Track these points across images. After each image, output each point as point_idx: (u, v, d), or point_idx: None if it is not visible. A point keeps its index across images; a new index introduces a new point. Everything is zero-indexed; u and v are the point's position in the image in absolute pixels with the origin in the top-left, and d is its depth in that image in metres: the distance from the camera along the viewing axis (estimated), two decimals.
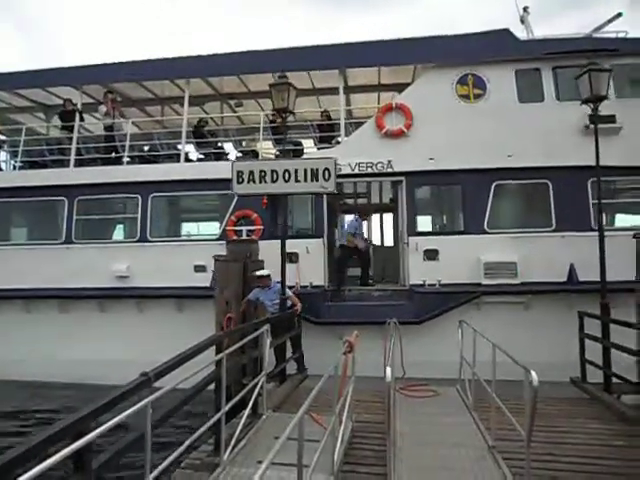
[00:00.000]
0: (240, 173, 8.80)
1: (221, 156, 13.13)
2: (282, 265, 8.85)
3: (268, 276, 9.08)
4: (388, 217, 16.08)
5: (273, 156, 12.46)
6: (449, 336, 8.80)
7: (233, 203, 11.74)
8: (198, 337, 5.33)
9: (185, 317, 11.23)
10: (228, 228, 11.77)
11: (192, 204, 13.16)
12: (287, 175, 8.66)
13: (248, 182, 8.73)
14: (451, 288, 10.79)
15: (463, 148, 11.14)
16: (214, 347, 5.44)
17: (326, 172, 8.57)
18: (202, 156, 13.26)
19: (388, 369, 4.86)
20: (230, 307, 8.80)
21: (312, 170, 8.53)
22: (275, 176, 8.66)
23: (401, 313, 10.13)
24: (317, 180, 8.51)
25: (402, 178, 11.66)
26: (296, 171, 8.62)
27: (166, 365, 4.24)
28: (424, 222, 12.15)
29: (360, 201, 16.21)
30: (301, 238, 11.46)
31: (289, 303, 9.19)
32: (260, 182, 8.70)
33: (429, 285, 11.00)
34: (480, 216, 11.09)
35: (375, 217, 16.83)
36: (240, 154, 13.28)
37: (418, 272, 11.13)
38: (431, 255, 11.31)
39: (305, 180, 8.55)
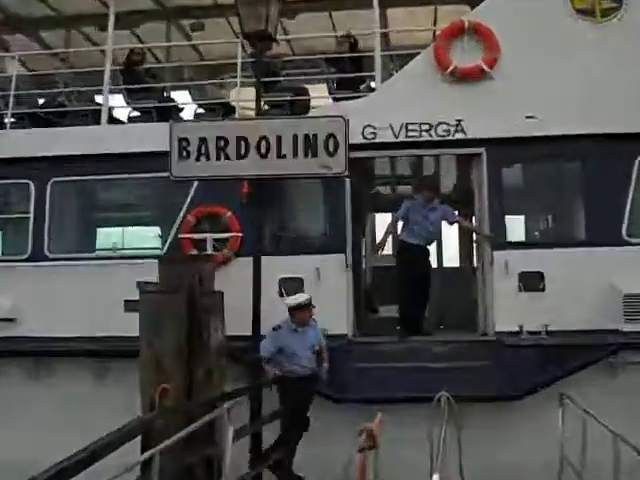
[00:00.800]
0: (183, 143, 8.98)
1: (170, 113, 13.08)
2: (254, 300, 9.00)
3: (309, 305, 9.40)
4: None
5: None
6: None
7: (190, 194, 11.76)
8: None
9: (109, 388, 11.26)
10: (182, 236, 11.71)
11: (121, 196, 13.29)
12: (264, 146, 8.86)
13: (198, 158, 8.95)
14: (566, 339, 10.63)
15: (585, 99, 11.06)
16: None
17: (331, 141, 8.72)
18: (137, 113, 13.37)
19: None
20: (165, 371, 8.48)
21: (307, 138, 8.74)
22: (244, 148, 8.88)
23: (480, 382, 10.24)
24: (315, 155, 8.73)
25: (480, 150, 11.46)
26: (279, 140, 8.83)
27: (58, 469, 4.36)
28: (517, 226, 12.27)
29: (402, 190, 16.38)
30: (307, 253, 11.44)
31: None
32: (219, 158, 8.93)
33: (529, 333, 10.78)
34: (615, 216, 11.06)
35: None
36: (202, 110, 13.30)
37: (509, 311, 10.96)
38: (531, 282, 11.14)
39: (295, 155, 8.78)
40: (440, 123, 11.41)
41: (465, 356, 10.99)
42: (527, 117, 11.22)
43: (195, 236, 11.75)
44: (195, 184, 11.41)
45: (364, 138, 11.30)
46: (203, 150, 8.94)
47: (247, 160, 8.89)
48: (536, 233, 12.85)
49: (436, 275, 14.81)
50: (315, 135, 8.78)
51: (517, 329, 10.88)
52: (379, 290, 14.45)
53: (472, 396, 9.34)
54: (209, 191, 11.42)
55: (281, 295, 10.78)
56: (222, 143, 8.91)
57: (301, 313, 9.43)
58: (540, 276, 11.06)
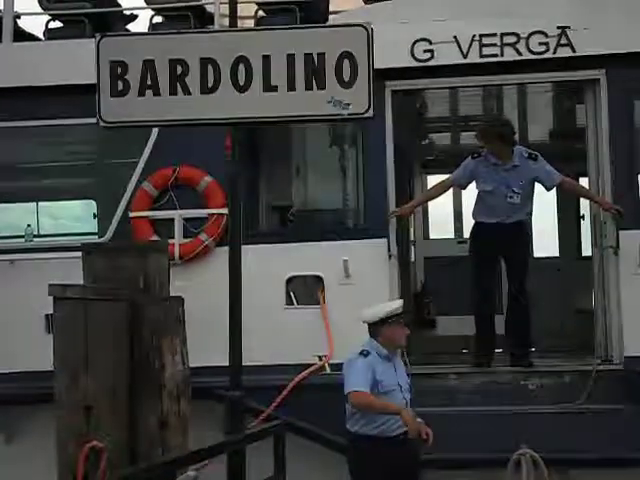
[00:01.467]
0: (119, 70, 8.43)
1: (110, 24, 13.10)
2: (232, 311, 8.52)
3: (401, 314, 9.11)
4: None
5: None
6: None
7: (147, 150, 11.75)
8: None
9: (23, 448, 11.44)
10: (134, 214, 11.66)
11: (35, 154, 13.35)
12: (243, 74, 8.21)
13: (141, 93, 8.35)
14: None
15: None
16: None
17: (346, 64, 8.04)
18: (60, 24, 13.32)
19: None
20: (95, 422, 8.02)
21: (309, 60, 8.11)
22: (213, 77, 8.27)
23: (599, 435, 10.21)
24: (322, 86, 8.08)
25: (598, 73, 11.46)
26: (266, 62, 8.19)
27: None
28: None
29: (466, 138, 16.63)
30: (329, 239, 11.62)
31: None
32: (174, 93, 8.37)
33: None
34: None
35: None
36: (162, 18, 13.13)
37: None
38: None
39: (291, 87, 8.15)
40: (534, 33, 11.30)
41: (572, 395, 10.99)
42: None
43: (155, 214, 11.69)
44: (154, 135, 11.39)
45: (415, 59, 11.28)
46: (149, 80, 8.24)
47: (217, 95, 8.22)
48: None
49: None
50: (322, 55, 8.00)
51: None
52: (437, 293, 14.70)
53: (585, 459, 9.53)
54: (176, 144, 11.36)
55: (290, 303, 11.06)
56: (178, 69, 8.21)
57: (394, 330, 8.87)
58: None
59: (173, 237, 11.35)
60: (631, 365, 10.73)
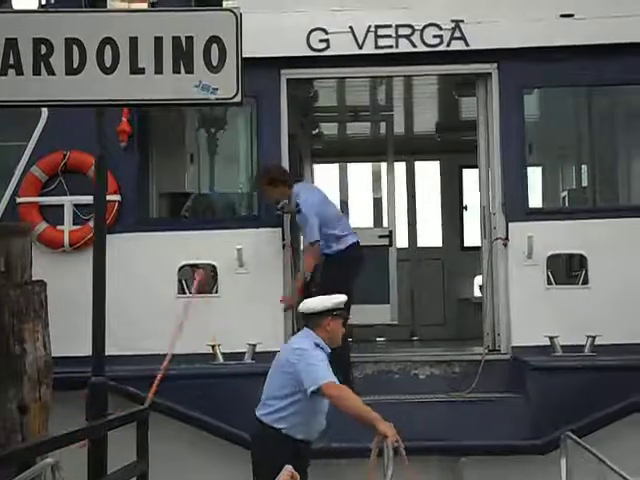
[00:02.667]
0: None
1: None
2: (96, 297, 8.64)
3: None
4: (429, 171, 17.24)
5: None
6: None
7: (36, 133, 11.52)
8: None
9: None
10: (22, 200, 11.53)
11: None
12: (110, 55, 8.27)
13: (3, 72, 8.33)
14: (625, 357, 10.72)
15: None
16: None
17: (214, 48, 8.29)
18: None
19: None
20: None
21: (177, 43, 8.28)
22: (78, 58, 8.28)
23: (484, 426, 10.30)
24: (190, 70, 8.28)
25: (490, 67, 11.63)
26: (133, 44, 8.28)
27: None
28: (547, 184, 12.84)
29: (359, 128, 16.74)
30: (223, 227, 11.60)
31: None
32: (38, 73, 8.33)
33: (566, 350, 10.82)
34: None
35: (398, 169, 17.33)
36: None
37: (534, 315, 11.13)
38: (566, 270, 11.82)
39: (160, 71, 8.28)
40: (428, 25, 11.37)
41: (458, 384, 11.17)
42: (561, 16, 11.36)
43: (44, 200, 11.50)
44: (43, 117, 11.15)
45: (311, 49, 11.32)
46: (12, 59, 8.22)
47: (82, 76, 8.24)
48: (577, 195, 13.26)
49: (414, 260, 16.10)
50: (190, 38, 8.20)
51: (547, 343, 10.85)
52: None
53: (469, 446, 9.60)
54: (66, 128, 11.15)
55: (183, 292, 11.01)
56: (43, 49, 8.20)
57: (337, 323, 8.51)
58: (582, 260, 11.37)
59: (63, 224, 11.20)
60: (517, 354, 10.91)
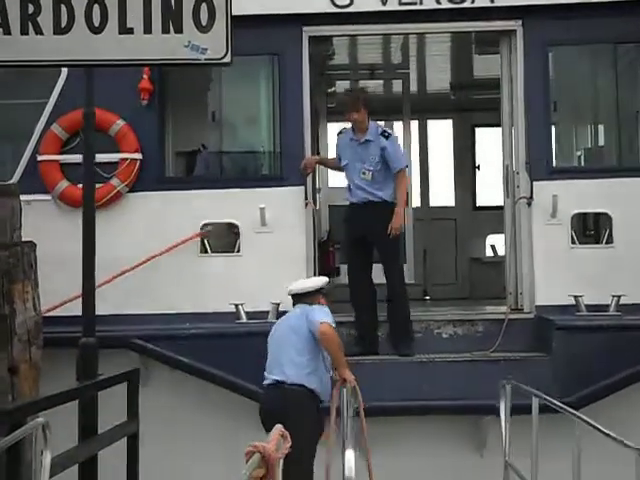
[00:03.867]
0: None
1: None
2: (85, 253, 8.64)
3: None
4: (442, 130, 17.11)
5: None
6: None
7: (55, 91, 11.46)
8: None
9: None
10: (42, 158, 11.44)
11: None
12: (98, 14, 8.16)
13: None
14: None
15: None
16: None
17: (204, 7, 8.19)
18: None
19: None
20: None
21: (166, 3, 8.18)
22: (67, 17, 8.18)
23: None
24: (180, 31, 8.20)
25: (514, 24, 11.57)
26: (122, 4, 8.18)
27: None
28: (568, 143, 12.76)
29: (372, 86, 16.46)
30: (245, 186, 11.62)
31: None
32: (26, 32, 8.19)
33: (590, 309, 10.82)
34: None
35: (412, 128, 17.11)
36: None
37: (558, 276, 11.14)
38: (592, 230, 11.84)
39: (149, 30, 8.20)
40: None
41: (480, 343, 11.14)
42: None
43: (65, 158, 11.36)
44: (63, 75, 11.10)
45: (334, 5, 11.22)
46: None
47: (70, 36, 8.13)
48: (603, 155, 12.90)
49: (434, 223, 16.11)
50: None
51: (571, 302, 10.81)
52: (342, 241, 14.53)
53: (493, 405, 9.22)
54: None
55: (205, 251, 11.00)
56: (31, 8, 8.09)
57: (322, 299, 9.42)
58: (607, 220, 11.23)
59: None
60: (542, 313, 10.92)
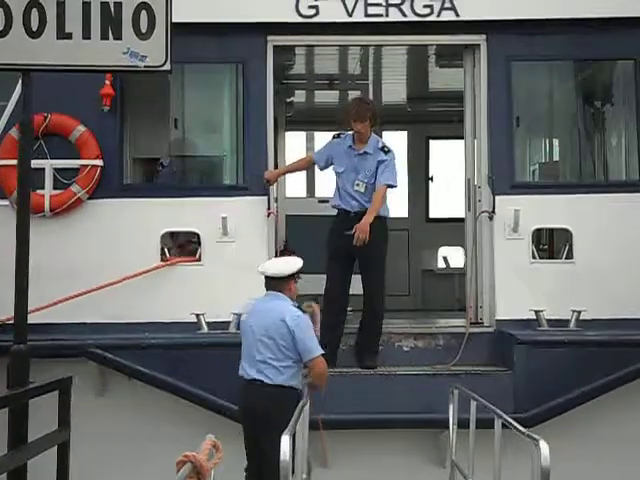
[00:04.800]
0: None
1: None
2: (19, 257, 8.38)
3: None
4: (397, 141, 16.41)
5: None
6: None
7: (14, 95, 11.21)
8: None
9: None
10: (0, 163, 11.25)
11: None
12: (37, 19, 8.11)
13: None
14: (610, 332, 10.70)
15: None
16: None
17: (144, 15, 8.19)
18: None
19: None
20: None
21: (106, 9, 8.15)
22: (4, 20, 8.13)
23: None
24: (119, 36, 8.19)
25: (478, 38, 11.61)
26: (61, 8, 8.10)
27: None
28: (534, 155, 12.85)
29: (328, 96, 16.75)
30: (208, 195, 11.52)
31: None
32: None
33: (551, 324, 10.84)
34: None
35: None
36: None
37: (518, 291, 11.14)
38: (552, 244, 11.91)
39: (87, 36, 8.15)
40: None
41: (441, 357, 11.09)
42: None
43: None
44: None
45: (299, 15, 11.15)
46: None
47: (8, 39, 8.07)
48: (564, 169, 12.97)
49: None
50: (119, 4, 8.10)
51: (531, 317, 10.84)
52: (298, 251, 14.13)
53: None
54: (48, 91, 10.62)
55: (163, 259, 10.89)
56: None
57: (296, 285, 9.36)
58: (567, 235, 11.25)
59: (43, 188, 11.00)
60: (502, 327, 10.89)
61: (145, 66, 8.22)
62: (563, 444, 9.95)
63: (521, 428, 6.43)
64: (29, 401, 7.99)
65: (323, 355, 9.54)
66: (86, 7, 8.10)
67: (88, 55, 8.28)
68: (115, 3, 8.13)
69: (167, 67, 8.24)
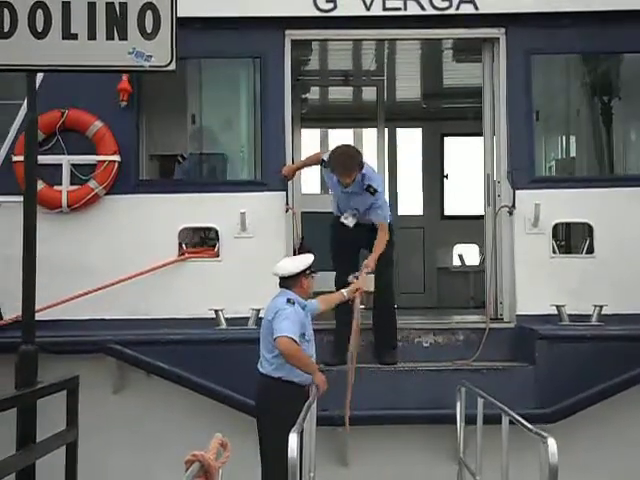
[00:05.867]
0: None
1: None
2: (26, 256, 8.28)
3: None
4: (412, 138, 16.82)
5: None
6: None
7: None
8: None
9: None
10: (17, 158, 11.00)
11: None
12: (42, 20, 8.09)
13: None
14: (632, 327, 10.63)
15: None
16: None
17: (149, 15, 8.17)
18: None
19: None
20: None
21: (111, 9, 8.12)
22: (9, 21, 8.10)
23: (496, 395, 9.44)
24: (125, 37, 8.20)
25: (497, 32, 11.56)
26: (66, 9, 8.09)
27: None
28: (552, 149, 12.82)
29: (343, 93, 16.80)
30: (226, 190, 11.50)
31: None
32: None
33: (572, 319, 10.76)
34: None
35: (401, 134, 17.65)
36: None
37: (539, 286, 11.09)
38: (573, 240, 11.83)
39: (93, 36, 8.17)
40: None
41: (461, 352, 11.02)
42: None
43: (41, 159, 10.43)
44: (40, 75, 10.66)
45: (317, 9, 11.15)
46: None
47: (13, 40, 8.04)
48: (585, 164, 12.88)
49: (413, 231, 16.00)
50: (124, 5, 8.10)
51: (552, 312, 10.75)
52: (315, 248, 14.08)
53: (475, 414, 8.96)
54: (65, 87, 10.94)
55: (182, 254, 10.89)
56: None
57: (310, 281, 9.44)
58: (588, 230, 11.18)
59: (60, 184, 11.02)
60: (523, 323, 10.86)
61: (150, 66, 8.24)
62: (585, 439, 10.20)
63: (528, 425, 6.45)
64: (37, 400, 8.00)
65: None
66: (91, 7, 8.15)
67: (93, 55, 8.30)
68: (120, 3, 8.17)
69: (172, 67, 8.26)
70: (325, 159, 11.14)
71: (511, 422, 7.16)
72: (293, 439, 6.22)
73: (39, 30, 8.10)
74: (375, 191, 10.85)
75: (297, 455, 6.29)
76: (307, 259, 9.52)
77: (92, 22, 8.18)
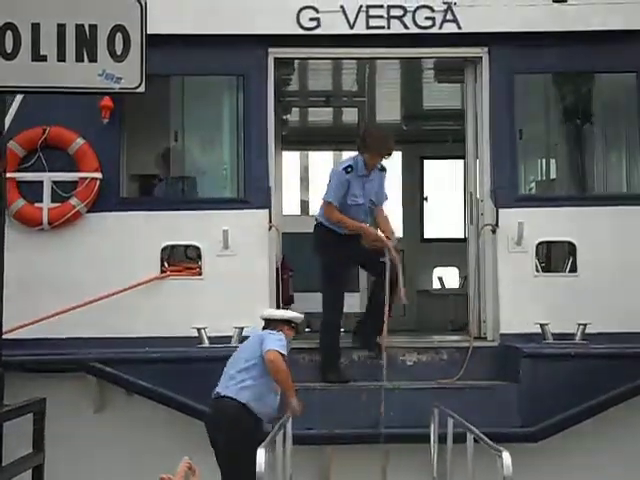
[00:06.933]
0: None
1: None
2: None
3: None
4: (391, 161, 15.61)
5: None
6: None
7: (12, 108, 11.06)
8: None
9: None
10: None
11: None
12: (11, 41, 8.01)
13: None
14: (615, 346, 10.69)
15: None
16: None
17: (119, 37, 8.10)
18: None
19: None
20: None
21: (81, 31, 8.02)
22: None
23: (476, 412, 9.80)
24: (95, 59, 8.09)
25: (480, 51, 11.60)
26: (35, 31, 8.03)
27: None
28: (533, 170, 12.84)
29: (323, 114, 16.86)
30: (209, 208, 11.48)
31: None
32: None
33: (556, 337, 10.75)
34: None
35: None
36: None
37: (523, 304, 11.13)
38: (555, 258, 11.76)
39: (62, 58, 8.06)
40: (420, 7, 11.25)
41: (444, 371, 10.98)
42: (555, 1, 11.30)
43: (21, 176, 11.15)
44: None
45: (301, 27, 11.15)
46: None
47: None
48: (566, 183, 12.82)
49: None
50: (94, 27, 8.01)
51: (535, 331, 10.73)
52: (295, 269, 14.62)
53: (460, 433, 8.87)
54: (46, 103, 10.86)
55: (162, 272, 10.85)
56: None
57: (291, 333, 9.64)
58: (571, 249, 11.19)
59: (41, 201, 10.94)
60: (507, 341, 10.83)
61: (120, 88, 8.24)
62: (570, 457, 10.22)
63: (488, 441, 6.65)
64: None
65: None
66: (61, 29, 8.11)
67: (63, 77, 8.26)
68: (90, 25, 8.12)
69: (142, 89, 8.24)
70: (351, 164, 11.09)
71: (476, 440, 7.30)
72: (261, 455, 6.28)
73: (8, 51, 8.06)
74: (383, 168, 11.34)
75: (265, 469, 6.35)
76: (292, 313, 9.78)
77: (62, 44, 8.15)
